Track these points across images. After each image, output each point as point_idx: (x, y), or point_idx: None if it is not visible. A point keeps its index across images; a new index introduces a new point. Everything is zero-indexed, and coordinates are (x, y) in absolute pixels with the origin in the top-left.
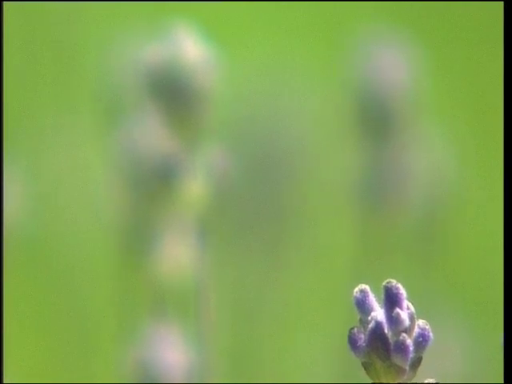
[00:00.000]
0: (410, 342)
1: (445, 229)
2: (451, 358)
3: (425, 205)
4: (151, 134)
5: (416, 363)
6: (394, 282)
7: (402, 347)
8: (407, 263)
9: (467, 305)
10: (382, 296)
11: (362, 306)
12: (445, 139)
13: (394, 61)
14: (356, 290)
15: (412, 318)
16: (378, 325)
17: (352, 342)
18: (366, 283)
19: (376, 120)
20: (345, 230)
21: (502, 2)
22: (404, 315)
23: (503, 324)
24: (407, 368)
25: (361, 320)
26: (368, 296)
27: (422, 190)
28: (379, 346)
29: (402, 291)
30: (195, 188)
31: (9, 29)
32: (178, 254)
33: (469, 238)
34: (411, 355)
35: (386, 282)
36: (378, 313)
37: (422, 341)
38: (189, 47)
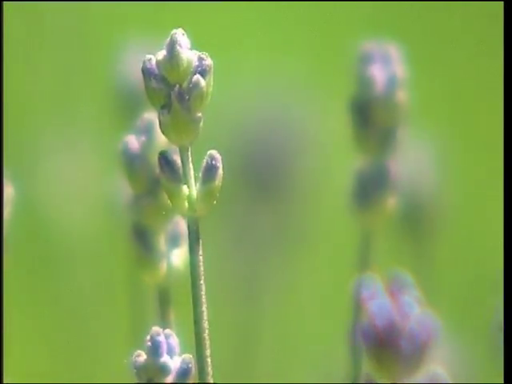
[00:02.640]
0: (416, 330)
1: (436, 228)
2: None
3: (418, 205)
4: (152, 137)
5: (424, 351)
6: (400, 270)
7: (408, 335)
8: (400, 260)
9: (456, 304)
10: (389, 284)
11: (368, 294)
12: (438, 142)
13: (390, 69)
14: (362, 278)
15: (418, 306)
16: (385, 313)
17: (358, 331)
18: (369, 276)
19: (372, 127)
20: (340, 229)
21: (502, 2)
22: (411, 303)
23: (503, 324)
24: (415, 356)
25: (367, 308)
26: (374, 284)
27: (415, 191)
28: (386, 335)
29: (409, 279)
30: (193, 190)
31: (10, 29)
32: (175, 254)
33: (463, 238)
34: (418, 343)
35: (392, 270)
36: (385, 301)
37: (428, 329)
38: (186, 50)
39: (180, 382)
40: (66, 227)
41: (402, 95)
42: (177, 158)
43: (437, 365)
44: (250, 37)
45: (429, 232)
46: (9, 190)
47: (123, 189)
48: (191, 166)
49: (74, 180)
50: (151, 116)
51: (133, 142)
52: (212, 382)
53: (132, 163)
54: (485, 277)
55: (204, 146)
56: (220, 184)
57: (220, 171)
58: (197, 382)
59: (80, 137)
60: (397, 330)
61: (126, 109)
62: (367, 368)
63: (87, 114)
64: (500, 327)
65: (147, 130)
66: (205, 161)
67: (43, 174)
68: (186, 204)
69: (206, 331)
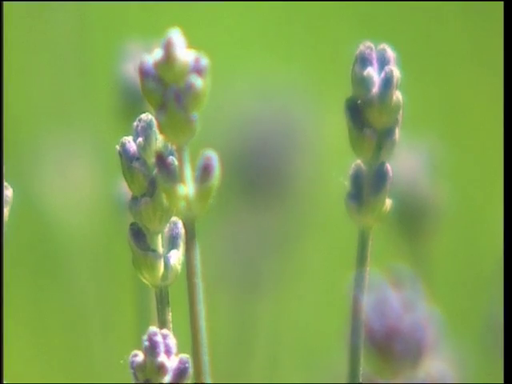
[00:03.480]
0: (422, 325)
1: (433, 228)
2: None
3: (415, 206)
4: (150, 137)
5: (424, 349)
6: (402, 264)
7: (414, 330)
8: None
9: (453, 304)
10: (391, 280)
11: (368, 291)
12: (436, 143)
13: (386, 70)
14: (361, 275)
15: (421, 302)
16: (385, 310)
17: (358, 329)
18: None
19: (368, 129)
20: (338, 230)
21: (502, 3)
22: (413, 299)
23: (503, 326)
24: (415, 353)
25: (366, 305)
26: (375, 281)
27: (412, 191)
28: (385, 332)
29: (411, 274)
30: (189, 189)
31: (10, 29)
32: (173, 255)
33: (460, 238)
34: (419, 340)
35: (395, 263)
36: (385, 297)
37: (429, 326)
38: (183, 50)
39: (177, 381)
40: (66, 227)
41: (398, 97)
42: (174, 158)
43: (438, 363)
44: (249, 38)
45: (426, 232)
46: (9, 191)
47: (122, 189)
48: (188, 165)
49: (73, 180)
50: (149, 116)
51: (131, 142)
52: (209, 381)
53: (130, 164)
54: (482, 276)
55: (202, 145)
56: (216, 184)
57: (216, 171)
58: (194, 381)
59: (80, 137)
60: (397, 327)
61: (126, 109)
62: (366, 366)
63: (87, 115)
64: (499, 327)
65: (145, 130)
66: (201, 160)
67: (43, 174)
68: (183, 203)
69: (203, 330)
